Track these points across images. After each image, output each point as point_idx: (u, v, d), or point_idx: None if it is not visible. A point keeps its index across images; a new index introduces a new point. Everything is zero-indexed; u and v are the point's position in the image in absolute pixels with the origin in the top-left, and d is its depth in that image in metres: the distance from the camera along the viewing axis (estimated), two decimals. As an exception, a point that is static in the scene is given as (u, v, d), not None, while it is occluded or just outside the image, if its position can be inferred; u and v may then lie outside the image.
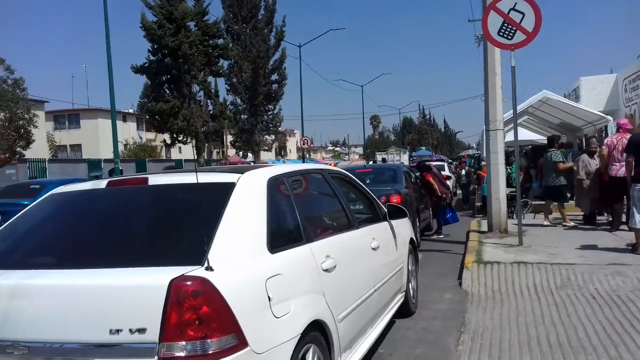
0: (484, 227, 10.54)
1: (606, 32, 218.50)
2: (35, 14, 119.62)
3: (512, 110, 9.26)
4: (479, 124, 10.63)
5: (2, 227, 3.23)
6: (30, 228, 3.24)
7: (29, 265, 2.78)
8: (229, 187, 3.01)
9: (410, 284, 5.60)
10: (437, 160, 26.34)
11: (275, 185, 3.35)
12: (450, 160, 40.15)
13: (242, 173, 3.21)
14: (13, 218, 3.32)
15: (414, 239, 6.00)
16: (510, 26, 8.51)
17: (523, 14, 8.46)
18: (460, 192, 19.23)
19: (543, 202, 11.37)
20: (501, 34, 8.59)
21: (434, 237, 11.40)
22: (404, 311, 5.44)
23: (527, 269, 6.83)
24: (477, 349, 4.45)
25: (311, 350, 2.98)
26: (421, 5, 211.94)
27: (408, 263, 5.55)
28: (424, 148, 66.70)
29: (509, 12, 8.52)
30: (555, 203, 10.86)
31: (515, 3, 8.47)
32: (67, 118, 48.62)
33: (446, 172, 20.21)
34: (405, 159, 42.73)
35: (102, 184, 3.32)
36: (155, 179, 3.25)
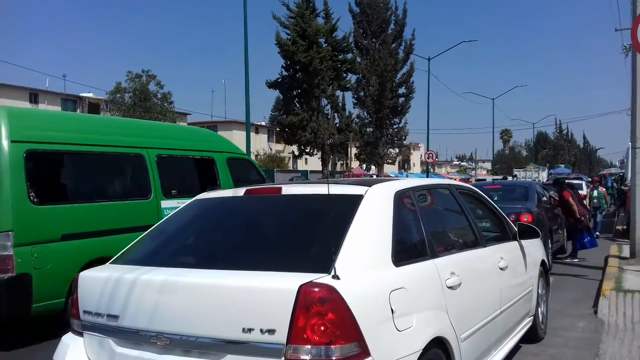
0: (625, 253, 9.70)
1: None
2: (184, 35, 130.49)
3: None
4: (624, 141, 9.84)
5: (152, 228, 3.60)
6: (176, 230, 3.58)
7: (175, 264, 3.07)
8: (357, 199, 3.11)
9: (539, 308, 5.33)
10: (574, 179, 24.48)
11: (402, 199, 3.40)
12: (589, 179, 37.46)
13: (370, 186, 3.30)
14: (161, 220, 3.70)
15: (546, 261, 5.70)
16: (662, 35, 7.82)
17: (677, 22, 7.75)
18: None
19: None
20: (652, 44, 7.92)
21: (568, 260, 10.67)
22: (531, 336, 5.19)
23: (676, 302, 6.20)
24: (614, 384, 4.14)
25: (432, 366, 2.97)
26: (559, 14, 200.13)
27: (538, 286, 5.29)
28: (562, 166, 63.12)
29: (661, 21, 7.84)
30: None
31: (670, 10, 7.78)
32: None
33: (583, 192, 18.80)
34: (544, 176, 40.81)
35: (240, 191, 3.58)
36: (288, 189, 3.45)
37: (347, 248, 2.74)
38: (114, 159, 6.26)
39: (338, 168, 52.39)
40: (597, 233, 13.63)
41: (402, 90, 38.99)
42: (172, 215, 3.71)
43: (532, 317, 5.15)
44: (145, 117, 23.56)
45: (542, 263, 5.52)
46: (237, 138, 45.71)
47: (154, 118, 23.70)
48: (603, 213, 15.43)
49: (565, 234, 11.59)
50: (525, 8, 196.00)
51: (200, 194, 3.84)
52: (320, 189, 3.24)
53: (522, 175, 43.36)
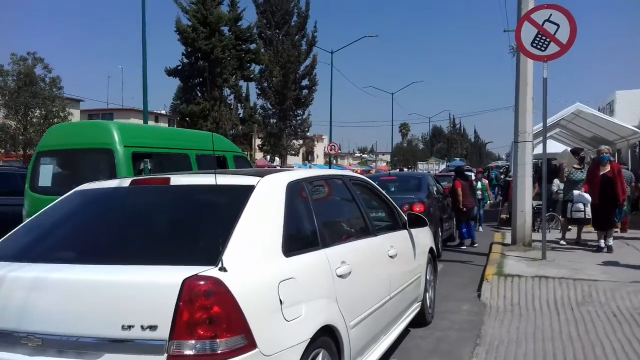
0: (508, 240, 10.42)
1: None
2: (75, 16, 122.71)
3: (542, 123, 9.17)
4: (511, 135, 10.51)
5: (27, 221, 3.35)
6: (53, 223, 3.34)
7: (49, 259, 2.86)
8: (248, 190, 3.08)
9: (427, 294, 5.59)
10: (466, 171, 25.91)
11: (294, 189, 3.40)
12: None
13: (262, 177, 3.27)
14: (38, 212, 3.44)
15: (434, 248, 5.98)
16: (544, 37, 8.42)
17: (558, 25, 8.37)
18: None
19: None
20: (534, 45, 8.51)
21: (463, 248, 11.25)
22: (419, 320, 5.43)
23: (548, 284, 6.74)
24: (492, 362, 4.42)
25: (320, 355, 3.01)
26: (455, 15, 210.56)
27: (426, 272, 5.54)
28: (457, 159, 67.20)
29: (543, 24, 8.43)
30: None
31: (551, 14, 8.38)
32: (101, 117, 49.62)
33: None
34: (442, 168, 44.09)
35: (126, 182, 3.42)
36: (177, 179, 3.33)
37: (236, 240, 2.71)
38: (174, 157, 8.04)
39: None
40: (479, 225, 14.04)
41: (305, 82, 39.28)
42: (49, 207, 3.45)
43: (421, 302, 5.39)
44: (31, 102, 21.91)
45: (431, 250, 5.78)
46: (135, 127, 43.89)
47: (41, 104, 22.12)
48: (485, 205, 15.23)
49: (455, 223, 12.25)
50: (423, 4, 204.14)
51: (83, 185, 3.62)
52: (211, 180, 3.16)
53: (425, 167, 47.89)
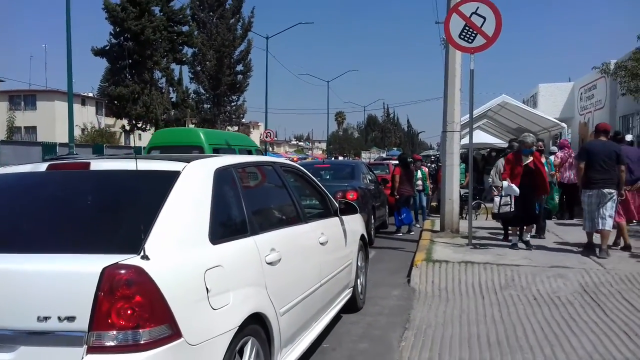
0: (437, 227, 10.72)
1: (567, 40, 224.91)
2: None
3: (469, 113, 9.44)
4: (441, 125, 10.73)
5: None
6: None
7: None
8: (173, 176, 2.96)
9: (358, 280, 5.65)
10: (397, 159, 26.46)
11: (222, 176, 3.31)
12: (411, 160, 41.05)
13: (189, 162, 3.16)
14: None
15: (365, 235, 6.04)
16: (471, 30, 8.65)
17: (484, 18, 8.62)
18: None
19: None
20: (462, 37, 8.73)
21: (399, 235, 11.36)
22: (351, 306, 5.49)
23: (474, 269, 6.99)
24: (419, 345, 4.53)
25: (249, 342, 2.97)
26: (390, 5, 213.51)
27: (357, 259, 5.59)
28: (395, 148, 69.72)
29: (470, 16, 8.66)
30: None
31: (478, 7, 8.61)
32: (22, 99, 47.01)
33: None
34: (381, 157, 46.51)
35: (42, 166, 3.22)
36: (98, 164, 3.16)
37: (160, 227, 2.60)
38: (228, 152, 10.44)
39: (174, 145, 50.52)
40: (424, 216, 12.71)
41: (240, 68, 38.63)
42: (-44, 194, 3.20)
43: (352, 288, 5.44)
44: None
45: (362, 237, 5.84)
46: (59, 110, 41.97)
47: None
48: (427, 196, 13.18)
49: (387, 210, 12.45)
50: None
51: None
52: (134, 165, 3.02)
53: (367, 155, 53.82)
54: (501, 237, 9.31)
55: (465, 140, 13.50)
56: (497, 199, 8.32)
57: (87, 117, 46.61)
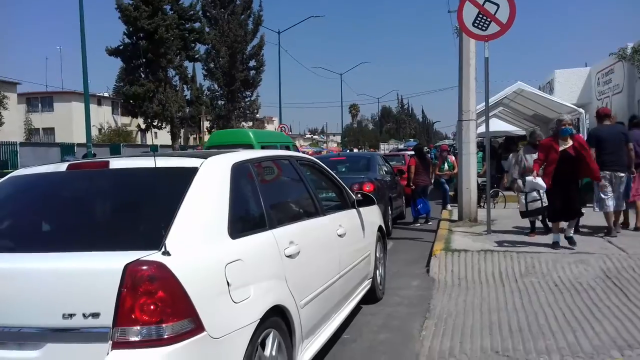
0: (455, 216, 10.67)
1: (583, 25, 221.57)
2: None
3: (485, 102, 9.36)
4: (456, 115, 10.67)
5: None
6: None
7: None
8: (191, 172, 2.99)
9: (377, 271, 5.65)
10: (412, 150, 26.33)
11: (239, 171, 3.33)
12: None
13: (206, 158, 3.19)
14: None
15: (383, 226, 6.04)
16: (484, 17, 8.57)
17: (498, 5, 8.53)
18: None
19: (514, 193, 11.52)
20: (476, 24, 8.66)
21: (417, 225, 11.32)
22: (370, 297, 5.50)
23: (493, 257, 6.95)
24: (440, 334, 4.53)
25: (271, 335, 3.00)
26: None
27: (376, 250, 5.59)
28: (412, 139, 70.19)
29: (484, 4, 8.58)
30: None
31: (490, -6, 8.52)
32: (40, 101, 47.62)
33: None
34: (399, 147, 47.71)
35: (62, 167, 3.27)
36: (117, 163, 3.21)
37: (180, 223, 2.63)
38: (272, 148, 11.20)
39: (191, 142, 50.92)
40: (446, 204, 12.32)
41: (253, 63, 38.74)
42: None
43: (371, 279, 5.45)
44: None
45: (380, 228, 5.84)
46: (76, 110, 42.40)
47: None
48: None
49: (404, 201, 12.42)
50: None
51: (18, 170, 3.45)
52: (153, 162, 3.06)
53: (385, 147, 58.47)
54: (527, 229, 8.50)
55: (482, 129, 13.41)
56: (521, 197, 7.59)
57: (104, 116, 47.08)
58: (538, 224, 8.50)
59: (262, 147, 10.89)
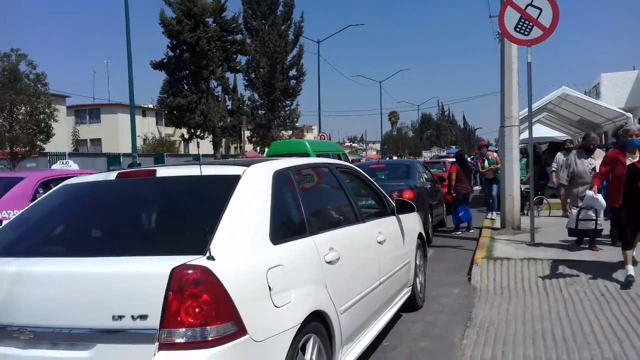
0: (497, 224, 10.50)
1: (630, 27, 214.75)
2: (59, 11, 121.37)
3: (528, 107, 9.21)
4: (499, 121, 10.52)
5: (16, 216, 3.34)
6: (41, 217, 3.35)
7: (39, 253, 2.88)
8: (234, 180, 3.09)
9: (417, 279, 5.63)
10: (453, 157, 26.02)
11: (281, 178, 3.41)
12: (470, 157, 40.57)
13: (248, 166, 3.28)
14: (26, 207, 3.44)
15: (423, 234, 6.02)
16: (527, 22, 8.45)
17: (540, 9, 8.40)
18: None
19: (559, 200, 11.27)
20: (518, 29, 8.54)
21: (458, 233, 11.21)
22: (411, 305, 5.48)
23: (537, 265, 6.82)
24: (482, 343, 4.49)
25: (311, 340, 3.05)
26: (441, 2, 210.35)
27: (416, 257, 5.58)
28: (453, 147, 69.97)
29: (525, 8, 8.46)
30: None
31: (533, -1, 8.40)
32: (87, 113, 49.27)
33: None
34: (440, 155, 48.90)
35: (112, 175, 3.42)
36: (163, 171, 3.34)
37: (224, 229, 2.72)
38: (325, 156, 11.49)
39: (232, 151, 51.70)
40: (491, 211, 11.95)
41: (292, 73, 39.13)
42: (37, 202, 3.46)
43: (411, 287, 5.43)
44: (16, 99, 21.64)
45: (420, 236, 5.82)
46: (122, 121, 43.67)
47: (26, 101, 21.87)
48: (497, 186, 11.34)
49: (445, 209, 12.30)
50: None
51: (70, 179, 3.62)
52: (197, 171, 3.18)
53: (428, 154, 60.70)
54: (565, 232, 7.84)
55: (525, 135, 13.17)
56: (574, 211, 7.00)
57: (148, 127, 48.31)
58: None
59: (318, 156, 11.18)
